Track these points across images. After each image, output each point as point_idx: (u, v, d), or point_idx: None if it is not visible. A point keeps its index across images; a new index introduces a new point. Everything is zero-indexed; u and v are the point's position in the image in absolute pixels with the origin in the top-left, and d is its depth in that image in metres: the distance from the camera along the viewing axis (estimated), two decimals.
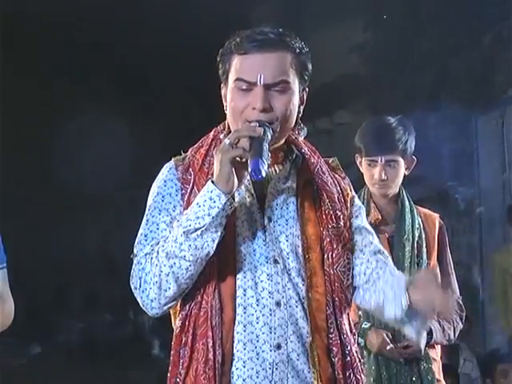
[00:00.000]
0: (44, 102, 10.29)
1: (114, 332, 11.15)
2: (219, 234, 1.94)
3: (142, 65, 9.75)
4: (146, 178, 2.31)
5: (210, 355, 1.97)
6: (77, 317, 11.27)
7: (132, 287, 2.01)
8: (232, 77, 2.05)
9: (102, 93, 10.41)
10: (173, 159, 2.14)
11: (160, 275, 1.95)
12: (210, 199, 1.92)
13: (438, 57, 7.13)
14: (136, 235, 2.07)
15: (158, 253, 1.96)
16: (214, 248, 1.94)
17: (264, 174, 1.89)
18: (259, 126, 1.96)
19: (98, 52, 9.23)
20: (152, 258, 1.97)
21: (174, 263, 1.93)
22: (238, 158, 1.92)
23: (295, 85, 2.05)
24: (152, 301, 1.97)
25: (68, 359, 9.59)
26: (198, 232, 1.92)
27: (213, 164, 2.01)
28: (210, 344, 1.97)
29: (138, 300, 2.00)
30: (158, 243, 1.99)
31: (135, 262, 2.01)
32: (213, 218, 1.91)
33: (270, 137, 1.97)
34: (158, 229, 2.03)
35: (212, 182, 1.94)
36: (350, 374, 2.05)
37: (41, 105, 10.30)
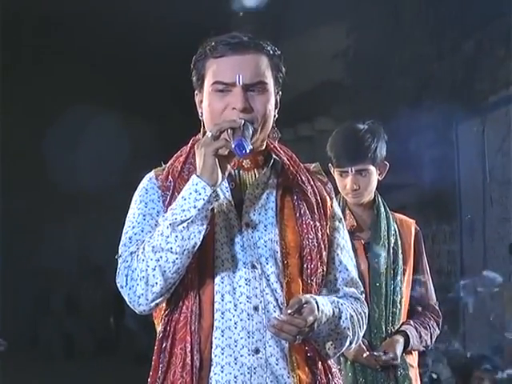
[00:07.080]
0: (38, 105, 10.29)
1: (94, 337, 11.13)
2: (205, 227, 1.95)
3: (142, 64, 9.75)
4: (129, 183, 2.31)
5: (188, 360, 1.97)
6: (58, 322, 11.25)
7: (118, 286, 2.01)
8: (209, 80, 2.06)
9: (98, 93, 10.44)
10: (153, 170, 2.16)
11: (147, 270, 1.95)
12: (196, 191, 1.93)
13: (419, 63, 7.15)
14: (117, 239, 2.07)
15: (143, 249, 1.97)
16: (201, 240, 1.95)
17: (248, 150, 1.92)
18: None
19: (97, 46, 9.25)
20: (138, 255, 1.97)
21: (161, 257, 1.94)
22: (220, 151, 1.93)
23: (271, 87, 2.07)
24: (139, 297, 1.97)
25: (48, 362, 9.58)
26: (185, 224, 1.92)
27: (192, 171, 2.03)
28: (188, 349, 1.98)
29: (125, 298, 2.00)
30: (143, 242, 1.99)
31: (120, 261, 2.02)
32: (199, 210, 1.92)
33: (251, 132, 1.98)
34: (142, 231, 2.04)
35: (197, 175, 1.95)
36: (330, 379, 2.06)
37: (33, 108, 10.28)
